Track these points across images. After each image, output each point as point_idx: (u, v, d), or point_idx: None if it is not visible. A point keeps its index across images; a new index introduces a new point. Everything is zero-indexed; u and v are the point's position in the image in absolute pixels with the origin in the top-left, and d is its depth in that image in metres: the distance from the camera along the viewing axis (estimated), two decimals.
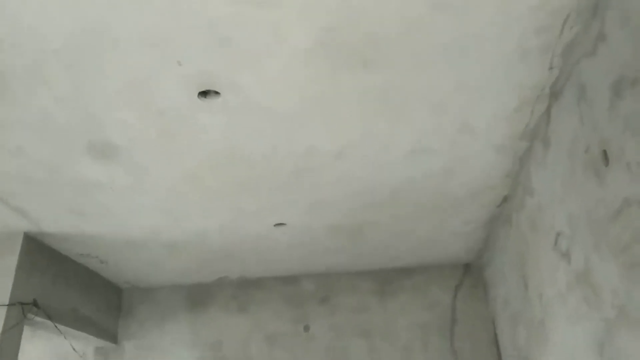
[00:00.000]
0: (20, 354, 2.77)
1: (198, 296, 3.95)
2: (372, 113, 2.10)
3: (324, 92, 1.97)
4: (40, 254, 3.02)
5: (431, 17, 1.65)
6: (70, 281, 3.28)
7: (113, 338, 3.73)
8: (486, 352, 3.64)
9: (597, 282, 1.85)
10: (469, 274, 3.90)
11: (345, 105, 2.05)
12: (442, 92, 2.00)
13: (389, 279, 3.91)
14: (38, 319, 2.87)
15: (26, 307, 2.80)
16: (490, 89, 2.00)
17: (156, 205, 2.71)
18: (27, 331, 3.04)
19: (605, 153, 1.67)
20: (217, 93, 1.93)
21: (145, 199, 2.63)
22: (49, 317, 2.93)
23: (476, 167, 2.55)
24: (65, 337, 3.10)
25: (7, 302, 2.68)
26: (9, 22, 1.57)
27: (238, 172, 2.45)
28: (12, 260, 2.79)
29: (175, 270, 3.70)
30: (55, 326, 2.98)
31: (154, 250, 3.29)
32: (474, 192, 2.81)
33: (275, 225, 3.06)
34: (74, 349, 3.39)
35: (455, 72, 1.90)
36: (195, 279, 3.90)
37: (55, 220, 2.80)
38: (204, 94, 1.93)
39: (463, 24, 1.69)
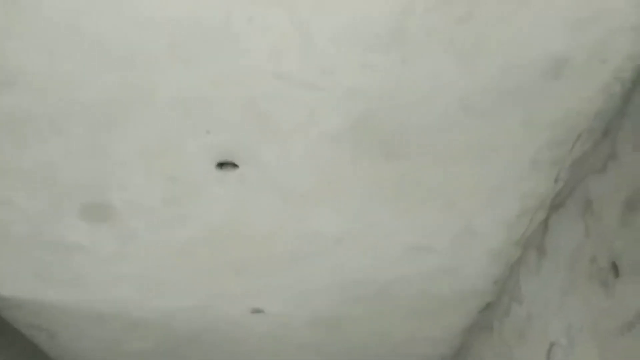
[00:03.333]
0: None
1: None
2: (380, 203, 2.12)
3: (341, 178, 1.98)
4: None
5: (461, 118, 1.74)
6: (8, 356, 2.90)
7: None
8: None
9: None
10: None
11: (356, 192, 2.06)
12: (453, 192, 2.06)
13: None
14: None
15: None
16: (499, 194, 2.08)
17: (133, 277, 2.52)
18: None
19: (615, 265, 1.74)
20: (235, 165, 1.91)
21: (124, 268, 2.44)
22: None
23: (469, 271, 2.57)
24: None
25: None
26: (47, 68, 1.52)
27: (233, 251, 2.35)
28: None
29: (129, 355, 3.37)
30: None
31: (115, 327, 3.00)
32: (461, 296, 2.80)
33: (252, 312, 2.90)
34: None
35: (470, 174, 1.97)
36: None
37: (15, 283, 2.53)
38: (221, 165, 1.90)
39: (488, 130, 1.78)
